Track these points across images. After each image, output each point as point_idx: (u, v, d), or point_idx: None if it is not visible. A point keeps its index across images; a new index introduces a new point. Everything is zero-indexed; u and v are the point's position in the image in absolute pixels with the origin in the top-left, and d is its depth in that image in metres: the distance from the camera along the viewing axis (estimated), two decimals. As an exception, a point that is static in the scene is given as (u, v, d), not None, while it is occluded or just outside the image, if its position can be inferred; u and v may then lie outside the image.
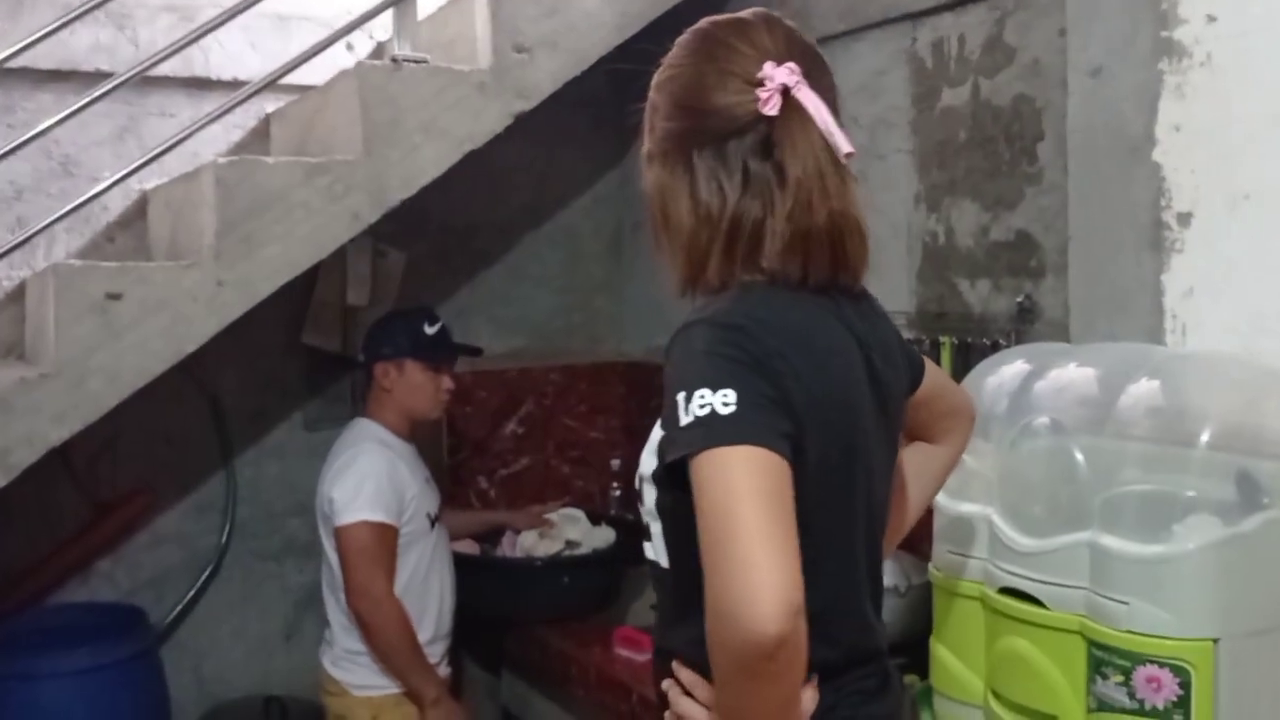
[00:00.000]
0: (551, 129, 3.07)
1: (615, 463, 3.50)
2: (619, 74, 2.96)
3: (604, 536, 2.88)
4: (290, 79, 2.57)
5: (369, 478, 2.44)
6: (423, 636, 2.54)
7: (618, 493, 3.48)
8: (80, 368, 2.10)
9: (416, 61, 2.36)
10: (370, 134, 2.32)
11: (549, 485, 3.41)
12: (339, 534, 2.43)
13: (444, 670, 2.63)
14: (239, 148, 2.88)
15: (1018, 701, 1.46)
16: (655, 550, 1.26)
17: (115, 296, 2.12)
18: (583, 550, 2.84)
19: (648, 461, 1.24)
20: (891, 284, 2.46)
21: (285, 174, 2.25)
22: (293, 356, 3.05)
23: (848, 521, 1.19)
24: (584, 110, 3.35)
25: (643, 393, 3.43)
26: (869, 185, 2.52)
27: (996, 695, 1.52)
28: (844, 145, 1.18)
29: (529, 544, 2.90)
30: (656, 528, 1.24)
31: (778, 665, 0.98)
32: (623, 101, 3.38)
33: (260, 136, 2.92)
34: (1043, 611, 1.41)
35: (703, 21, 1.30)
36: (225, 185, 2.20)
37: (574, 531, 2.84)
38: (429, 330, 2.62)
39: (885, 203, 2.47)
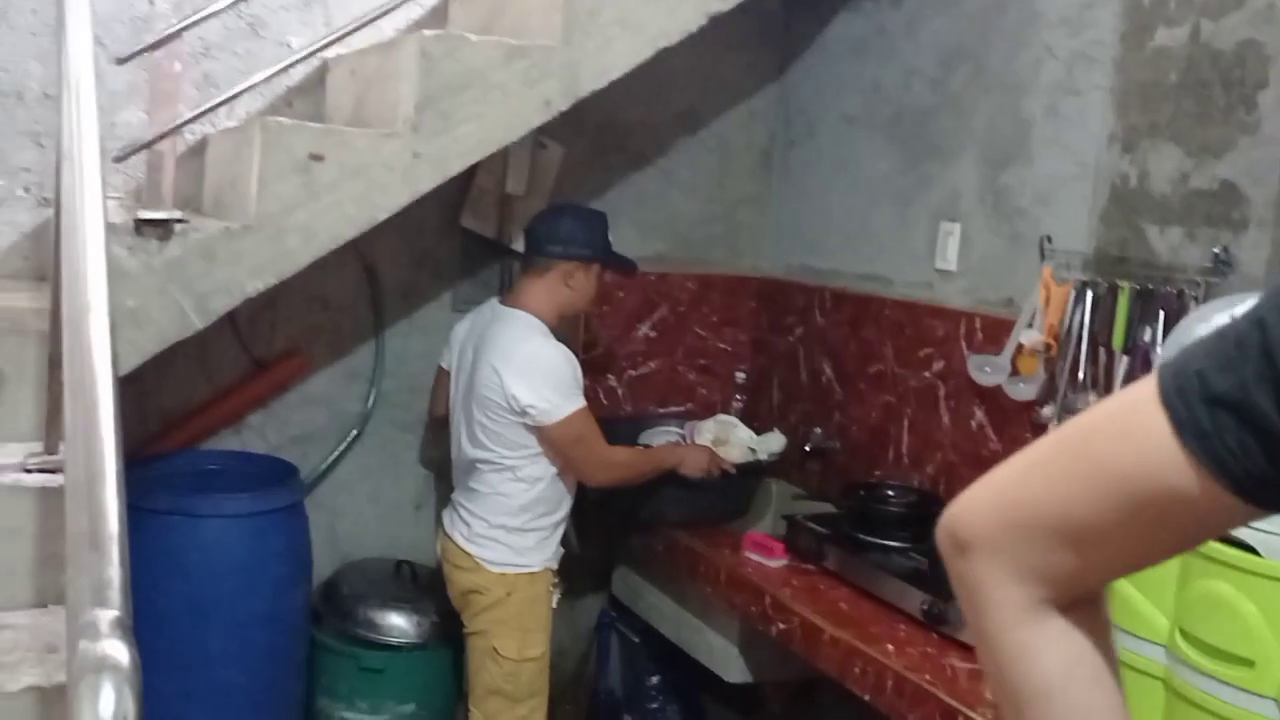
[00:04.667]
0: (716, 36, 3.03)
1: (740, 375, 3.55)
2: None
3: (777, 441, 2.94)
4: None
5: (559, 372, 2.53)
6: (557, 516, 2.65)
7: (740, 404, 3.53)
8: (279, 223, 2.16)
9: (622, -48, 2.35)
10: (570, 22, 2.33)
11: (674, 390, 3.47)
12: (554, 432, 2.52)
13: (558, 552, 2.70)
14: (416, 25, 2.91)
15: (1211, 643, 1.48)
16: None
17: (318, 158, 2.17)
18: (761, 455, 2.89)
19: None
20: (1069, 223, 2.44)
21: (487, 53, 2.28)
22: (448, 237, 3.11)
23: None
24: (751, 20, 3.32)
25: (774, 310, 3.45)
26: (1059, 121, 2.48)
27: (1185, 635, 1.54)
28: None
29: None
30: None
31: None
32: (791, 15, 3.40)
33: (438, 16, 2.95)
34: (1255, 559, 1.42)
35: None
36: (430, 59, 2.23)
37: (745, 437, 2.90)
38: (611, 238, 2.73)
39: (1073, 140, 2.44)
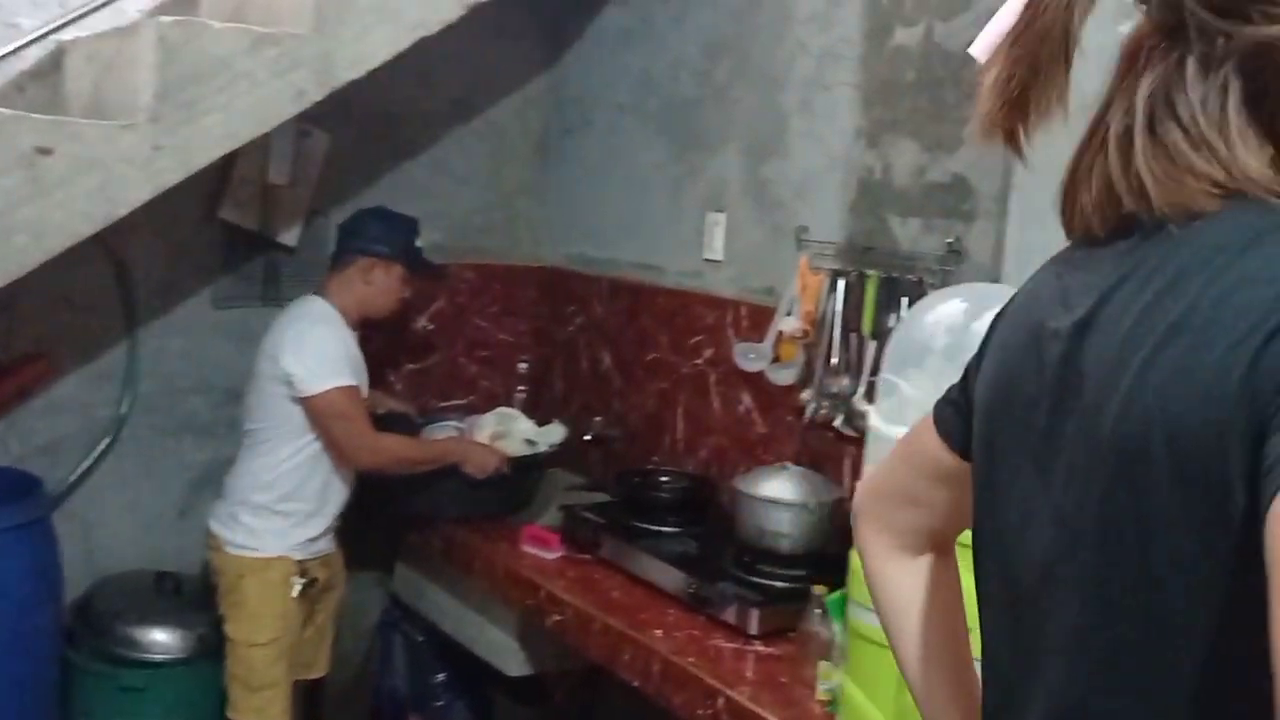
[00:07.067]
0: (485, 24, 3.00)
1: (522, 366, 3.54)
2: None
3: (558, 433, 2.94)
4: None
5: (328, 347, 2.55)
6: (301, 506, 2.62)
7: (523, 394, 3.52)
8: (5, 221, 2.02)
9: (374, -62, 2.29)
10: (323, 9, 2.26)
11: (455, 383, 3.43)
12: (314, 403, 2.52)
13: (327, 545, 2.71)
14: (160, 10, 2.75)
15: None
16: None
17: (46, 151, 2.03)
18: (541, 448, 2.89)
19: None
20: (824, 214, 2.54)
21: (232, 41, 2.18)
22: (207, 231, 2.96)
23: None
24: (521, 8, 3.31)
25: (555, 299, 3.46)
26: (813, 115, 2.58)
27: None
28: None
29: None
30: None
31: None
32: (561, 4, 3.40)
33: (186, 1, 2.80)
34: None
35: None
36: (168, 46, 2.12)
37: (526, 430, 2.88)
38: (418, 243, 2.75)
39: (826, 134, 2.54)
